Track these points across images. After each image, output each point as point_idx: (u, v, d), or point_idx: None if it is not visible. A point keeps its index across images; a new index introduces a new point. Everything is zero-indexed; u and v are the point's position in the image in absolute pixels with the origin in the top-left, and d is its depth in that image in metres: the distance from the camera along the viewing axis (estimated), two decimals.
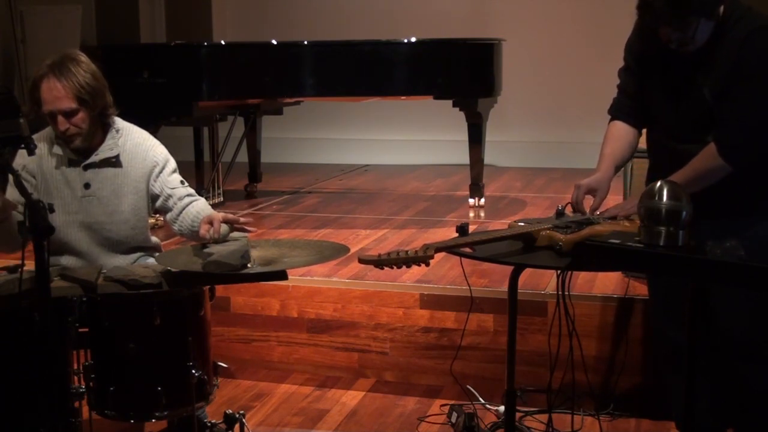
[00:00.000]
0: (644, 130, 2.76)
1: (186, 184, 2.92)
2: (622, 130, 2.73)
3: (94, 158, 2.81)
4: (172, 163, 2.93)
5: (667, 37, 2.43)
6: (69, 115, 2.72)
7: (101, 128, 2.83)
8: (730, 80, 2.42)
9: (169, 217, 2.87)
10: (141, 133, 2.92)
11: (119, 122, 2.89)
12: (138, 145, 2.88)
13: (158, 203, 2.88)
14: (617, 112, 2.76)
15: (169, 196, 2.86)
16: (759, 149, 2.47)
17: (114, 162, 2.83)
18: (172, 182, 2.87)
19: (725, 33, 2.42)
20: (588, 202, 2.64)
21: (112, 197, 2.82)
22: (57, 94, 2.69)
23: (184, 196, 2.86)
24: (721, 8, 2.41)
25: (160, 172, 2.87)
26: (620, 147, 2.71)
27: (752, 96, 2.43)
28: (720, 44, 2.43)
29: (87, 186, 2.81)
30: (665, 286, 2.74)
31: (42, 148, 2.81)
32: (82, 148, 2.80)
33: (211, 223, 2.64)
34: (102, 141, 2.83)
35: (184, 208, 2.84)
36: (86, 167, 2.81)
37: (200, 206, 2.83)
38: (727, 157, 2.45)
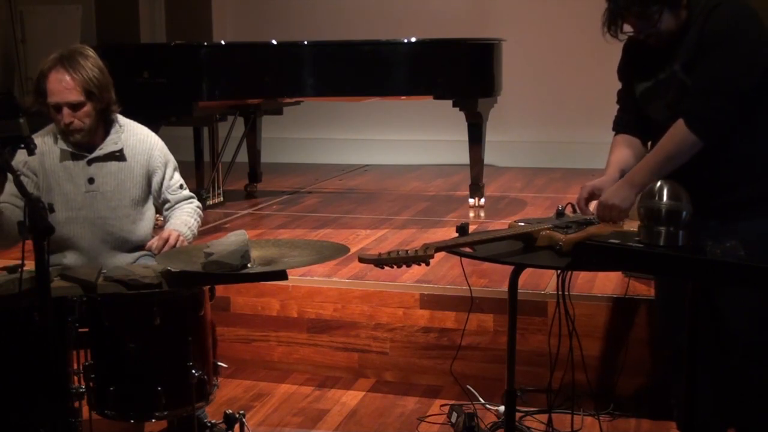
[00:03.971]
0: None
1: (185, 186, 3.02)
2: (626, 140, 2.72)
3: (99, 152, 2.85)
4: (172, 164, 3.00)
5: (634, 27, 2.45)
6: (75, 107, 2.74)
7: (103, 124, 2.85)
8: (696, 53, 2.41)
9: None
10: (142, 129, 2.99)
11: (121, 118, 2.94)
12: (141, 141, 2.93)
13: (155, 203, 3.00)
14: (619, 127, 2.76)
15: (166, 200, 2.98)
16: (727, 120, 2.41)
17: (118, 156, 2.87)
18: (172, 187, 2.98)
19: (694, 20, 2.43)
20: (591, 204, 2.65)
21: (115, 192, 2.86)
22: (65, 85, 2.71)
23: (175, 203, 2.98)
24: None
25: (163, 176, 2.95)
26: (626, 153, 2.70)
27: (716, 64, 2.39)
28: (689, 30, 2.43)
29: (91, 181, 2.84)
30: (668, 287, 2.73)
31: (45, 144, 2.83)
32: (83, 143, 2.82)
33: (166, 238, 2.77)
34: (104, 137, 2.86)
35: (169, 214, 2.98)
36: (90, 162, 2.84)
37: (176, 215, 2.94)
38: (694, 128, 2.39)
